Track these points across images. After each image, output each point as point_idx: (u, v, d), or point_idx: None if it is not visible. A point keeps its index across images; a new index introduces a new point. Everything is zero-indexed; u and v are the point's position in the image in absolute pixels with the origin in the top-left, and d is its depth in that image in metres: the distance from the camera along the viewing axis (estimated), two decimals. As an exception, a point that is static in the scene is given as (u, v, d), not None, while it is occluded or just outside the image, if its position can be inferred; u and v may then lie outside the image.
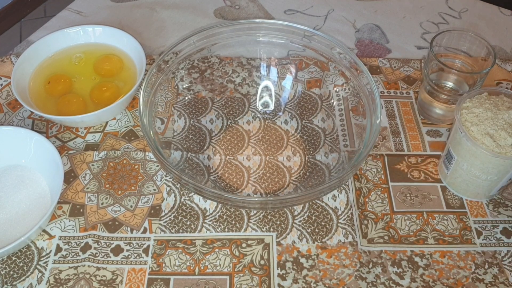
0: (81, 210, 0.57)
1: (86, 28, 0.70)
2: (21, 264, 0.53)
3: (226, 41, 0.66)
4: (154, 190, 0.59)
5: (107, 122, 0.65)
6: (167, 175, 0.60)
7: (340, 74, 0.64)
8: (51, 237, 0.55)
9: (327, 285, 0.52)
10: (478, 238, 0.56)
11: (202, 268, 0.53)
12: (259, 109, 0.66)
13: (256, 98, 0.67)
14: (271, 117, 0.66)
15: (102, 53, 0.69)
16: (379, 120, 0.55)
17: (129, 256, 0.54)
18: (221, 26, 0.64)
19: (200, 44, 0.64)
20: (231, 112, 0.66)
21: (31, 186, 0.58)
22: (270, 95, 0.67)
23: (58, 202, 0.57)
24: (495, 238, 0.56)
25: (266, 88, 0.68)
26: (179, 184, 0.59)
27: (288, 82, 0.68)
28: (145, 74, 0.62)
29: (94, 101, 0.65)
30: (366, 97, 0.59)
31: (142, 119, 0.55)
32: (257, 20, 0.66)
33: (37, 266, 0.53)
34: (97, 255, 0.54)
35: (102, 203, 0.58)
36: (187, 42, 0.63)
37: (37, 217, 0.56)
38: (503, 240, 0.56)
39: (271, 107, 0.67)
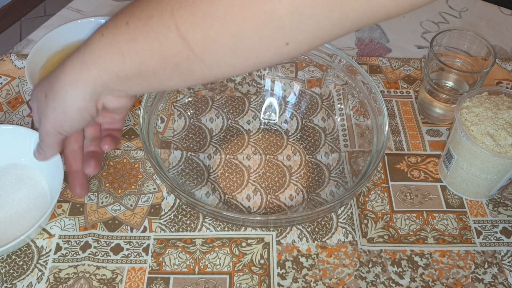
0: (81, 209, 0.57)
1: (99, 20, 0.69)
2: (20, 263, 0.53)
3: None
4: (154, 189, 0.59)
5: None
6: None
7: (339, 78, 0.64)
8: (51, 236, 0.55)
9: (326, 285, 0.52)
10: (478, 237, 0.56)
11: (202, 267, 0.53)
12: (263, 118, 0.66)
13: (257, 100, 0.67)
14: (272, 120, 0.66)
15: None
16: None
17: (129, 255, 0.54)
18: None
19: None
20: (231, 111, 0.66)
21: (30, 185, 0.58)
22: (272, 95, 0.67)
23: (58, 201, 0.57)
24: (495, 238, 0.56)
25: (268, 90, 0.68)
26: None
27: (288, 81, 0.68)
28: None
29: None
30: (366, 98, 0.59)
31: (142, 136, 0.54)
32: None
33: (37, 265, 0.53)
34: (97, 254, 0.54)
35: (102, 202, 0.58)
36: None
37: (37, 215, 0.56)
38: (503, 240, 0.56)
39: (275, 111, 0.66)
